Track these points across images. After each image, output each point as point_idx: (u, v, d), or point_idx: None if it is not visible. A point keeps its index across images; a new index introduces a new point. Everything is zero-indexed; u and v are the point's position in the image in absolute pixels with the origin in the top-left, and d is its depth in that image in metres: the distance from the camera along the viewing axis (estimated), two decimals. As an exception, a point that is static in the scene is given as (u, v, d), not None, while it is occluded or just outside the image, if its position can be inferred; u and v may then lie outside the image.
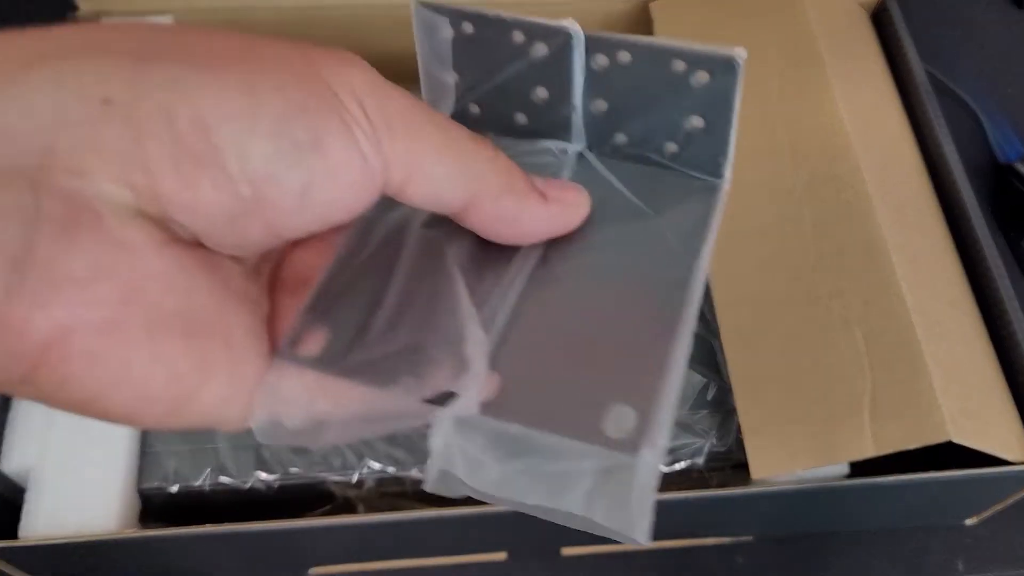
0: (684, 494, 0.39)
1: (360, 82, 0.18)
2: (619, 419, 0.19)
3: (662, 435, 0.18)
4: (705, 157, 0.24)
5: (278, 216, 0.17)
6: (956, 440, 0.37)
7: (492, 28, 0.22)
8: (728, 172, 0.24)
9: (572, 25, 0.22)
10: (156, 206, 0.16)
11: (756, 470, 0.40)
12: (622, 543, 0.19)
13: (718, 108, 0.23)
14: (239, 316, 0.19)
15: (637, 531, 0.17)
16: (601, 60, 0.22)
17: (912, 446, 0.38)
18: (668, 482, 0.44)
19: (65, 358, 0.16)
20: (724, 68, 0.21)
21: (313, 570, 0.46)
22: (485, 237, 0.21)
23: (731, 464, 0.44)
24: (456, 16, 0.22)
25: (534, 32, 0.22)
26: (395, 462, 0.42)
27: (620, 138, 0.24)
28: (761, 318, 0.43)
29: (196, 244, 0.18)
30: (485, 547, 0.46)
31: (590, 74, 0.22)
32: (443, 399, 0.19)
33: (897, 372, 0.39)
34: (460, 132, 0.20)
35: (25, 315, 0.15)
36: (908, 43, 0.52)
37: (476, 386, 0.19)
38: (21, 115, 0.15)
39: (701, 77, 0.22)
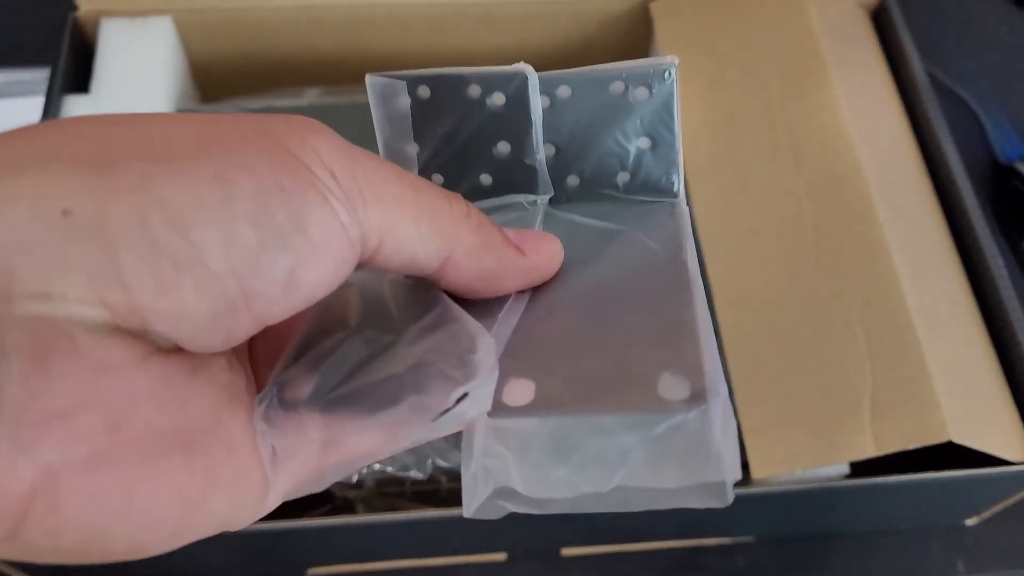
0: (684, 494, 0.39)
1: (326, 149, 0.17)
2: (672, 387, 0.18)
3: (722, 385, 0.18)
4: (657, 178, 0.24)
5: (265, 306, 0.16)
6: (956, 440, 0.37)
7: (449, 86, 0.22)
8: (680, 188, 0.24)
9: (527, 67, 0.21)
10: (134, 319, 0.15)
11: (756, 470, 0.40)
12: (703, 504, 0.18)
13: (662, 122, 0.22)
14: (234, 413, 0.17)
15: (728, 473, 0.17)
16: (544, 101, 0.22)
17: (913, 446, 0.38)
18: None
19: (54, 505, 0.14)
20: (659, 77, 0.22)
21: (312, 570, 0.46)
22: (464, 296, 0.20)
23: (731, 464, 0.44)
24: (412, 81, 0.22)
25: (490, 82, 0.22)
26: (395, 462, 0.42)
27: (572, 180, 0.24)
28: (761, 318, 0.43)
29: (178, 350, 0.16)
30: (485, 547, 0.46)
31: (547, 119, 0.22)
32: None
33: (898, 372, 0.39)
34: (431, 191, 0.19)
35: (7, 464, 0.14)
36: (908, 43, 0.52)
37: (491, 384, 0.18)
38: None
39: (640, 94, 0.22)
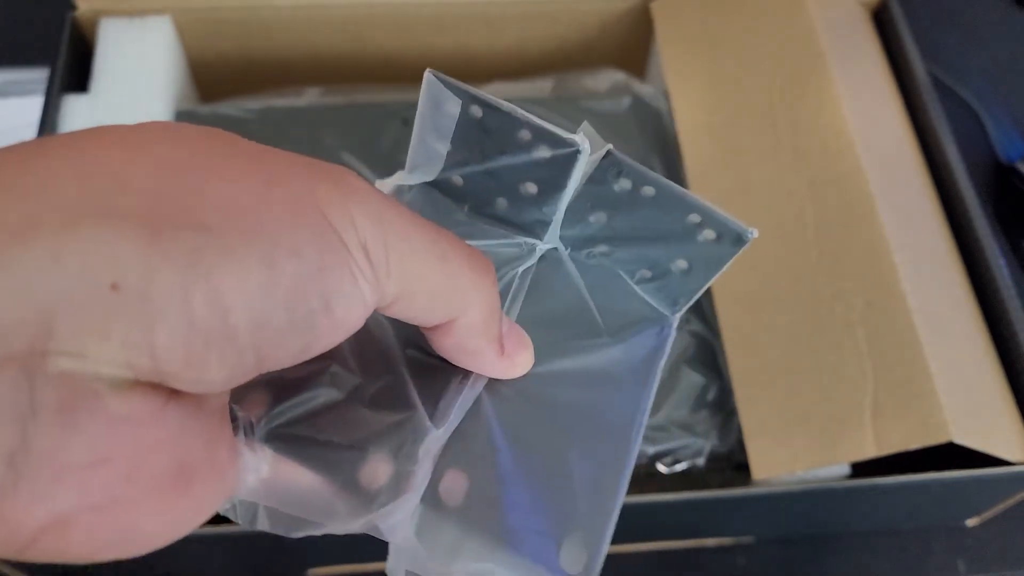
0: (684, 494, 0.39)
1: (362, 218, 0.17)
2: (573, 555, 0.21)
3: (599, 567, 0.21)
4: (671, 295, 0.25)
5: (273, 366, 0.17)
6: (958, 441, 0.37)
7: (501, 120, 0.21)
8: (680, 314, 0.25)
9: (582, 141, 0.21)
10: (156, 378, 0.15)
11: (757, 471, 0.40)
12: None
13: (710, 265, 0.24)
14: (222, 433, 0.18)
15: None
16: (624, 184, 0.22)
17: (914, 447, 0.38)
18: (669, 483, 0.44)
19: (62, 537, 0.15)
20: (735, 238, 0.23)
21: (312, 571, 0.46)
22: (435, 350, 0.21)
23: (732, 465, 0.44)
24: (468, 99, 0.21)
25: (542, 136, 0.21)
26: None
27: (601, 248, 0.24)
28: (762, 318, 0.43)
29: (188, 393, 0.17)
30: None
31: (602, 188, 0.23)
32: (384, 495, 0.20)
33: (899, 373, 0.39)
34: (458, 258, 0.19)
35: (23, 510, 0.14)
36: (910, 43, 0.52)
37: (417, 496, 0.20)
38: (14, 297, 0.14)
39: (708, 235, 0.23)
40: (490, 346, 0.21)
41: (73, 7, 0.51)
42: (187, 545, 0.40)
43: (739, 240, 0.22)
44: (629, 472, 0.22)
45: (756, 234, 0.22)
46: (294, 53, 0.57)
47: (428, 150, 0.23)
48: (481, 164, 0.23)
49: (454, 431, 0.22)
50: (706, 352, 0.46)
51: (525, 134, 0.22)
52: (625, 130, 0.51)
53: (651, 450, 0.43)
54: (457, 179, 0.24)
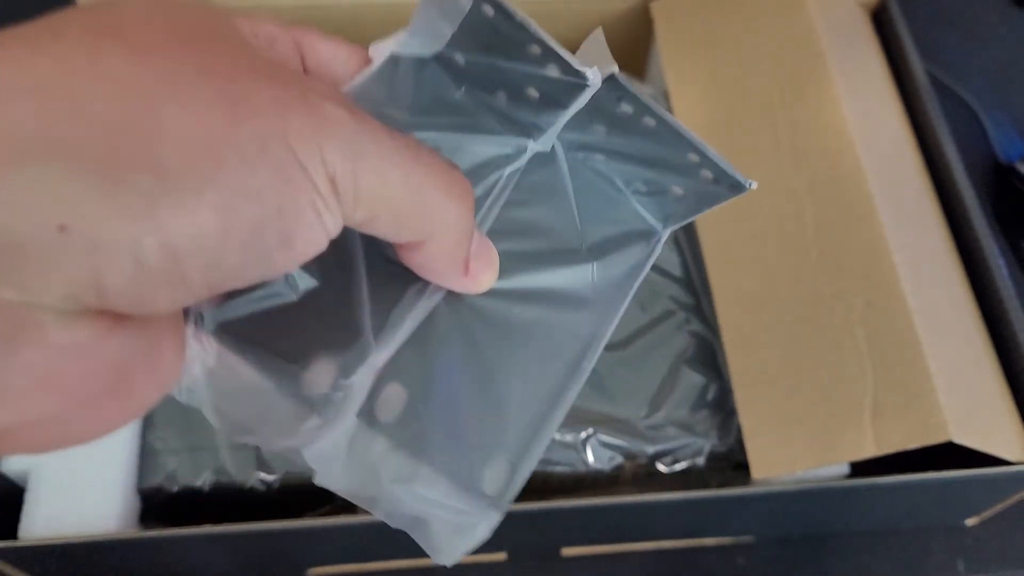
0: (684, 494, 0.39)
1: (331, 148, 0.16)
2: (495, 474, 0.21)
3: (517, 489, 0.21)
4: (664, 211, 0.24)
5: (231, 289, 0.17)
6: (957, 440, 0.37)
7: (513, 28, 0.20)
8: (671, 230, 0.24)
9: (593, 76, 0.20)
10: (104, 308, 0.15)
11: (757, 470, 0.40)
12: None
13: (705, 199, 0.23)
14: (169, 340, 0.18)
15: (448, 560, 0.20)
16: (626, 108, 0.21)
17: (913, 446, 0.38)
18: (668, 482, 0.44)
19: (1, 443, 0.16)
20: (732, 184, 0.22)
21: (312, 570, 0.46)
22: (398, 259, 0.21)
23: (732, 464, 0.44)
24: None
25: (553, 56, 0.20)
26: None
27: (599, 156, 0.24)
28: (762, 318, 0.43)
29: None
30: (485, 547, 0.46)
31: (603, 104, 0.22)
32: (322, 402, 0.20)
33: (898, 372, 0.39)
34: (435, 184, 0.18)
35: None
36: (909, 43, 0.52)
37: (353, 407, 0.20)
38: None
39: (706, 175, 0.22)
40: (455, 267, 0.21)
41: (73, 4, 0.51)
42: (187, 545, 0.40)
43: (737, 186, 0.22)
44: (568, 401, 0.22)
45: (755, 185, 0.22)
46: (294, 53, 0.58)
47: (432, 26, 0.22)
48: (486, 56, 0.21)
49: (403, 344, 0.21)
50: (706, 352, 0.46)
51: (535, 48, 0.20)
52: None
53: (651, 450, 0.43)
54: (459, 58, 0.22)
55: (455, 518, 0.20)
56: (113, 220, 0.14)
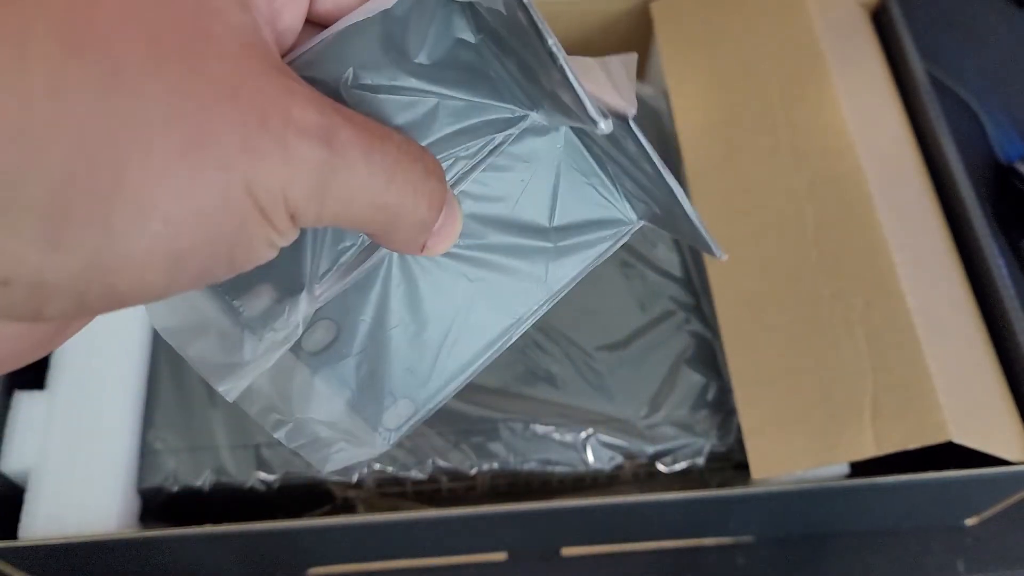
0: (684, 494, 0.39)
1: (296, 190, 0.16)
2: (398, 412, 0.23)
3: (412, 425, 0.23)
4: (644, 213, 0.24)
5: None
6: (957, 440, 0.37)
7: (537, 48, 0.19)
8: (643, 223, 0.24)
9: (607, 127, 0.19)
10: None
11: (756, 470, 0.40)
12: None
13: (685, 236, 0.23)
14: None
15: (326, 468, 0.22)
16: (631, 146, 0.21)
17: (913, 446, 0.38)
18: (668, 482, 0.44)
19: None
20: (707, 248, 0.22)
21: (312, 570, 0.46)
22: None
23: (731, 464, 0.44)
24: (516, 3, 0.18)
25: (569, 90, 0.19)
26: (394, 462, 0.42)
27: (597, 150, 0.23)
28: (762, 318, 0.43)
29: None
30: (485, 547, 0.46)
31: (612, 134, 0.21)
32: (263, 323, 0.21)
33: (898, 372, 0.39)
34: (402, 196, 0.18)
35: None
36: (909, 43, 0.52)
37: (285, 333, 0.21)
38: None
39: (686, 228, 0.22)
40: (413, 247, 0.20)
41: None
42: (187, 545, 0.40)
43: (709, 251, 0.22)
44: (478, 363, 0.23)
45: (725, 258, 0.22)
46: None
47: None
48: (505, 33, 0.20)
49: (347, 287, 0.22)
50: (706, 352, 0.46)
51: (556, 75, 0.19)
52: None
53: (651, 450, 0.43)
54: (480, 7, 0.20)
55: (347, 439, 0.22)
56: (57, 273, 0.14)
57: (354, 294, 0.22)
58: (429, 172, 0.19)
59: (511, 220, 0.23)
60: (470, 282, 0.23)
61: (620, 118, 0.20)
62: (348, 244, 0.22)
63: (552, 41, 0.18)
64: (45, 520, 0.39)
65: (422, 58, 0.21)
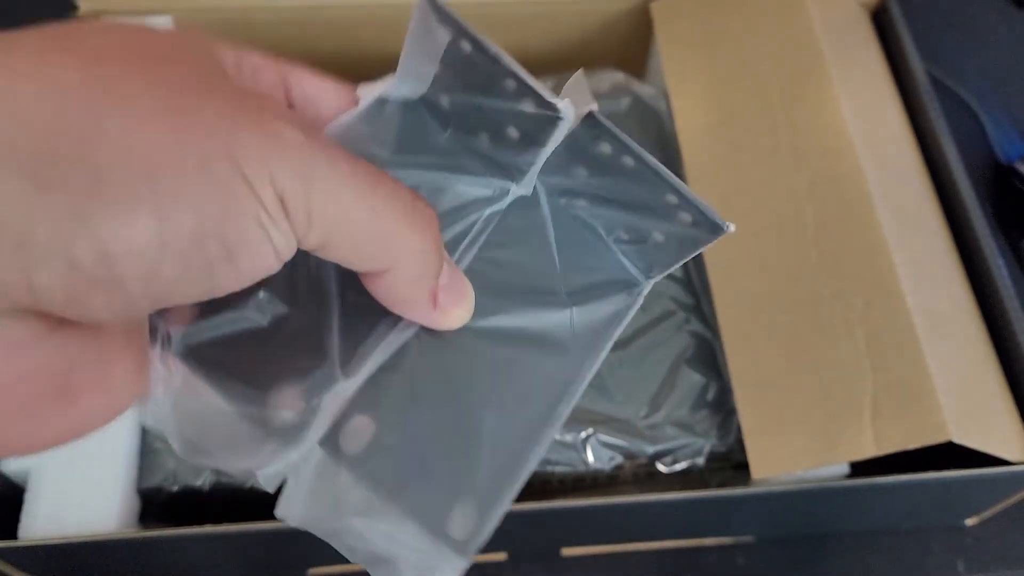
0: (684, 494, 0.39)
1: (281, 167, 0.16)
2: (463, 519, 0.20)
3: (486, 536, 0.20)
4: (646, 261, 0.24)
5: (178, 304, 0.17)
6: (957, 440, 0.37)
7: (488, 63, 0.20)
8: (654, 281, 0.24)
9: (566, 109, 0.20)
10: (41, 309, 0.15)
11: (756, 470, 0.40)
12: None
13: (685, 244, 0.22)
14: (123, 355, 0.18)
15: None
16: (605, 148, 0.21)
17: (913, 446, 0.38)
18: (668, 482, 0.44)
19: None
20: (711, 227, 0.22)
21: (312, 570, 0.46)
22: (366, 289, 0.21)
23: (731, 464, 0.44)
24: (458, 32, 0.20)
25: (527, 91, 0.20)
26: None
27: (581, 202, 0.23)
28: (762, 318, 0.43)
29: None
30: (485, 547, 0.46)
31: (582, 145, 0.22)
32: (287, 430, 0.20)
33: (898, 372, 0.39)
34: (392, 210, 0.18)
35: None
36: (909, 43, 0.52)
37: (315, 434, 0.20)
38: None
39: (685, 218, 0.22)
40: (422, 298, 0.20)
41: (74, 7, 0.51)
42: (187, 545, 0.40)
43: (715, 229, 0.21)
44: (544, 444, 0.21)
45: (732, 228, 0.21)
46: (294, 53, 0.57)
47: (415, 70, 0.22)
48: (467, 98, 0.22)
49: (374, 375, 0.21)
50: (706, 352, 0.46)
51: (511, 83, 0.20)
52: (625, 130, 0.51)
53: (651, 449, 0.43)
54: (444, 100, 0.22)
55: (419, 559, 0.20)
56: (43, 219, 0.14)
57: (385, 385, 0.21)
58: (415, 197, 0.19)
59: (523, 292, 0.23)
60: (501, 360, 0.22)
61: (586, 117, 0.21)
62: (370, 326, 0.21)
63: (495, 49, 0.20)
64: (45, 520, 0.39)
65: (400, 153, 0.22)
